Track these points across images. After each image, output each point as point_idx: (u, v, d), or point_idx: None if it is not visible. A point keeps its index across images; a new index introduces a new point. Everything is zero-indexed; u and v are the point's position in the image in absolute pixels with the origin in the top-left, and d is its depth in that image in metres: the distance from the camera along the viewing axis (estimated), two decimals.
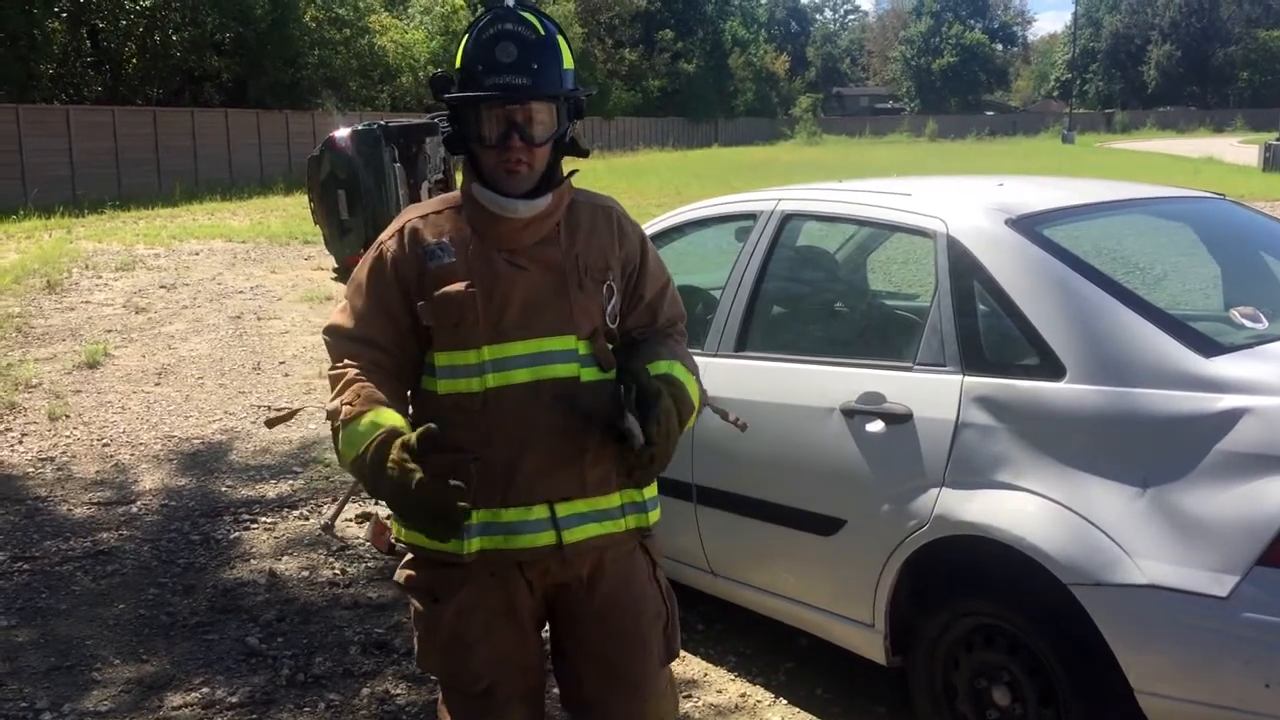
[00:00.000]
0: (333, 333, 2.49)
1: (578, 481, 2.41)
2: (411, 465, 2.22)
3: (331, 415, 2.37)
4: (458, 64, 2.37)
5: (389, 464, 2.24)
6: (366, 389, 2.36)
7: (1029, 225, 3.30)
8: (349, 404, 2.33)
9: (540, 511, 2.39)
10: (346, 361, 2.42)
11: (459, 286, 2.36)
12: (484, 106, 2.33)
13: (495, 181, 2.38)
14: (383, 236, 2.48)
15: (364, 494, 5.78)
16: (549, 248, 2.43)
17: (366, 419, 2.31)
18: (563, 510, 2.40)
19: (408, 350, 2.44)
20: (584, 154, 2.51)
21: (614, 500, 2.47)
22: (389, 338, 2.43)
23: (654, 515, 2.57)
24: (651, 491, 2.56)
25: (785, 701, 3.77)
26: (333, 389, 2.42)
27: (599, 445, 2.40)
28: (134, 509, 5.81)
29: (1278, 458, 2.58)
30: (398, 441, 2.25)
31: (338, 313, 2.50)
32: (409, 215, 2.49)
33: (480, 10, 2.52)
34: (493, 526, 2.38)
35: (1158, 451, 2.76)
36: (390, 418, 2.32)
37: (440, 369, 2.41)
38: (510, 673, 2.48)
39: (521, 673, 2.50)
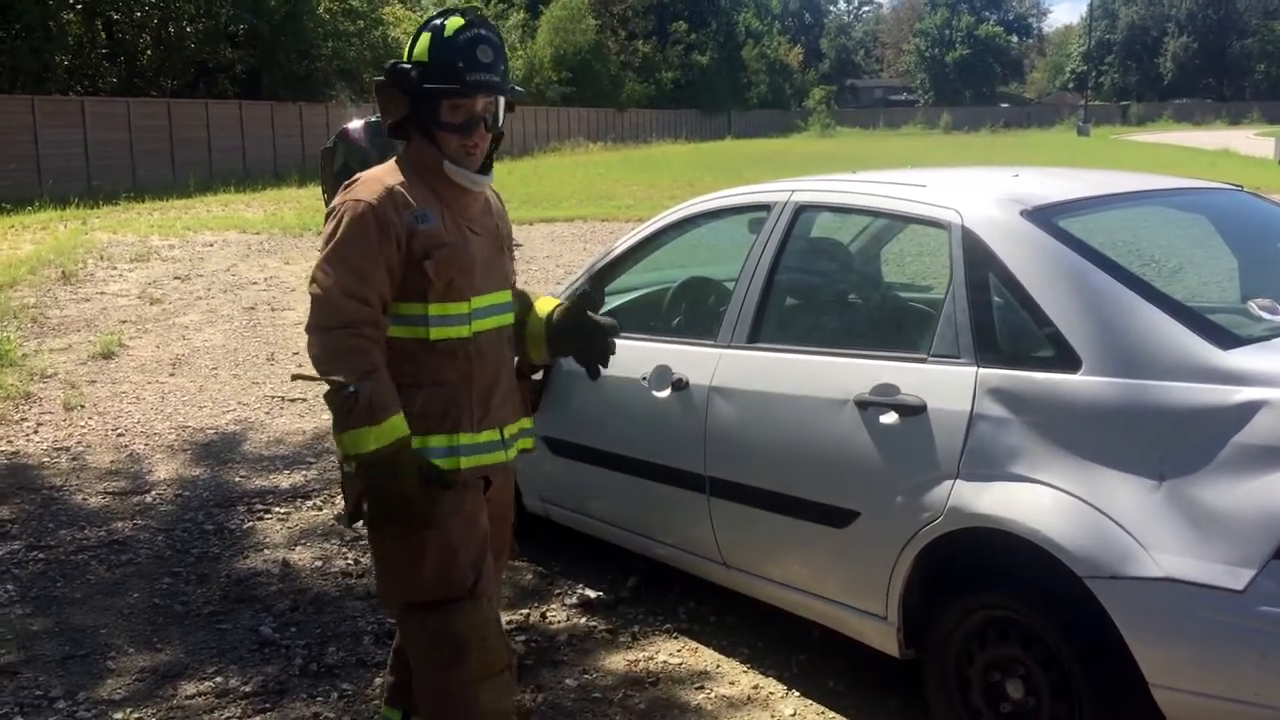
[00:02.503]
0: (344, 292, 2.69)
1: (516, 409, 3.04)
2: (426, 506, 2.73)
3: (359, 399, 2.63)
4: (425, 58, 2.77)
5: (412, 480, 2.70)
6: (390, 384, 2.70)
7: (1044, 216, 3.28)
8: (381, 396, 2.66)
9: (498, 434, 2.94)
10: (358, 328, 2.69)
11: (452, 246, 2.80)
12: (456, 96, 2.76)
13: (455, 161, 2.82)
14: (365, 196, 2.76)
15: None
16: (488, 218, 2.98)
17: (399, 420, 2.69)
18: (508, 431, 3.00)
19: (390, 301, 2.78)
20: (501, 137, 2.95)
21: (516, 427, 3.05)
22: (386, 290, 2.75)
23: (533, 441, 3.23)
24: (532, 421, 3.23)
25: (798, 694, 3.77)
26: (342, 356, 2.66)
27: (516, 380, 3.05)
28: (148, 499, 5.83)
29: None
30: (427, 467, 2.76)
31: (341, 272, 2.70)
32: (387, 179, 2.81)
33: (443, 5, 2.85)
34: (473, 447, 2.87)
35: (1174, 444, 2.74)
36: (405, 425, 2.72)
37: (433, 318, 2.82)
38: (480, 573, 2.87)
39: (487, 573, 2.90)
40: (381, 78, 2.84)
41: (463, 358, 2.84)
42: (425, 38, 2.78)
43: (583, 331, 3.18)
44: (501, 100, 2.86)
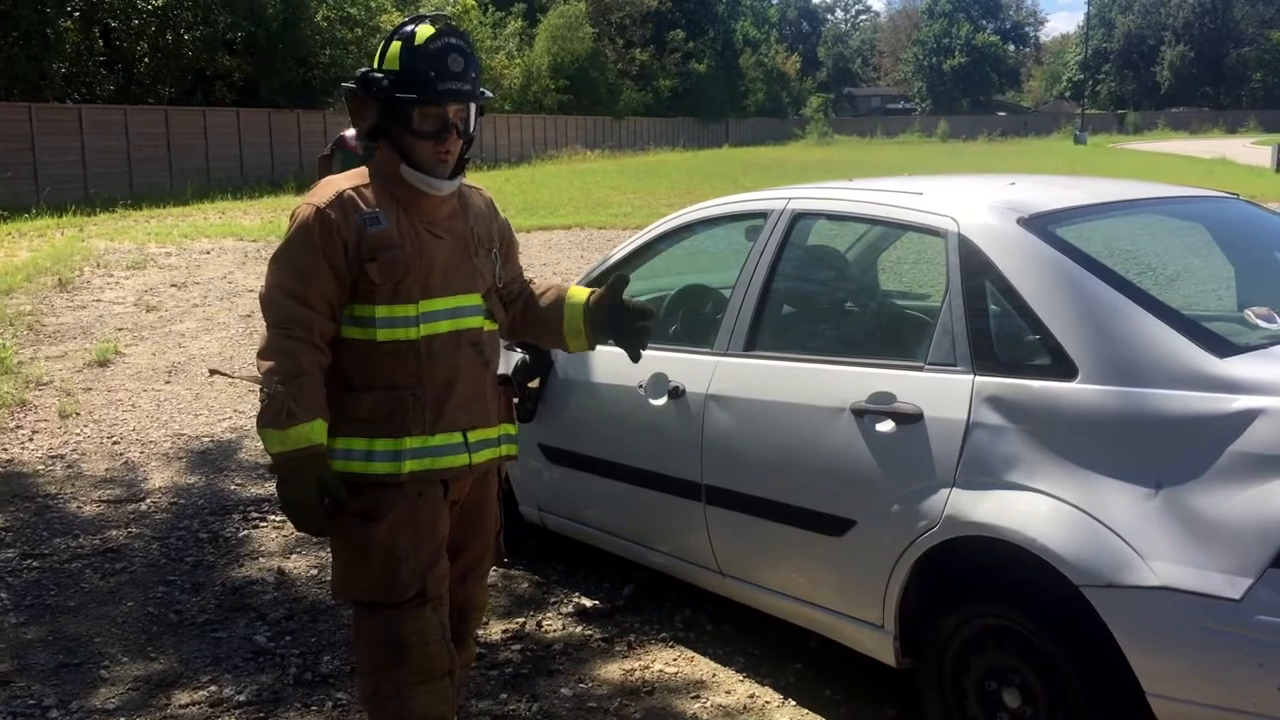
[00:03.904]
0: (283, 291, 2.80)
1: (484, 414, 3.01)
2: (322, 514, 2.79)
3: (272, 400, 2.72)
4: (396, 66, 2.81)
5: (309, 490, 2.76)
6: (313, 388, 2.77)
7: (1041, 224, 3.27)
8: (294, 401, 2.73)
9: (458, 438, 2.94)
10: (290, 328, 2.77)
11: (400, 249, 2.83)
12: (427, 105, 2.80)
13: (428, 167, 2.86)
14: (317, 201, 2.84)
15: None
16: (455, 221, 2.98)
17: (307, 429, 2.74)
18: (473, 437, 2.98)
19: (342, 303, 2.84)
20: (471, 141, 3.00)
21: (494, 432, 3.06)
22: (333, 292, 2.81)
23: (516, 448, 3.20)
24: (516, 428, 3.19)
25: (794, 703, 3.76)
26: (271, 354, 2.75)
27: (494, 386, 3.05)
28: (143, 507, 5.81)
29: None
30: (328, 481, 2.78)
31: (282, 272, 2.82)
32: (342, 185, 2.88)
33: (423, 13, 2.96)
34: (423, 450, 2.88)
35: (1171, 452, 2.73)
36: (323, 433, 2.78)
37: (380, 320, 2.85)
38: (430, 581, 2.90)
39: (437, 581, 2.93)
40: (352, 86, 2.90)
41: (412, 360, 2.86)
42: (396, 46, 2.83)
43: (621, 314, 3.21)
44: (473, 107, 2.91)
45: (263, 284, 2.87)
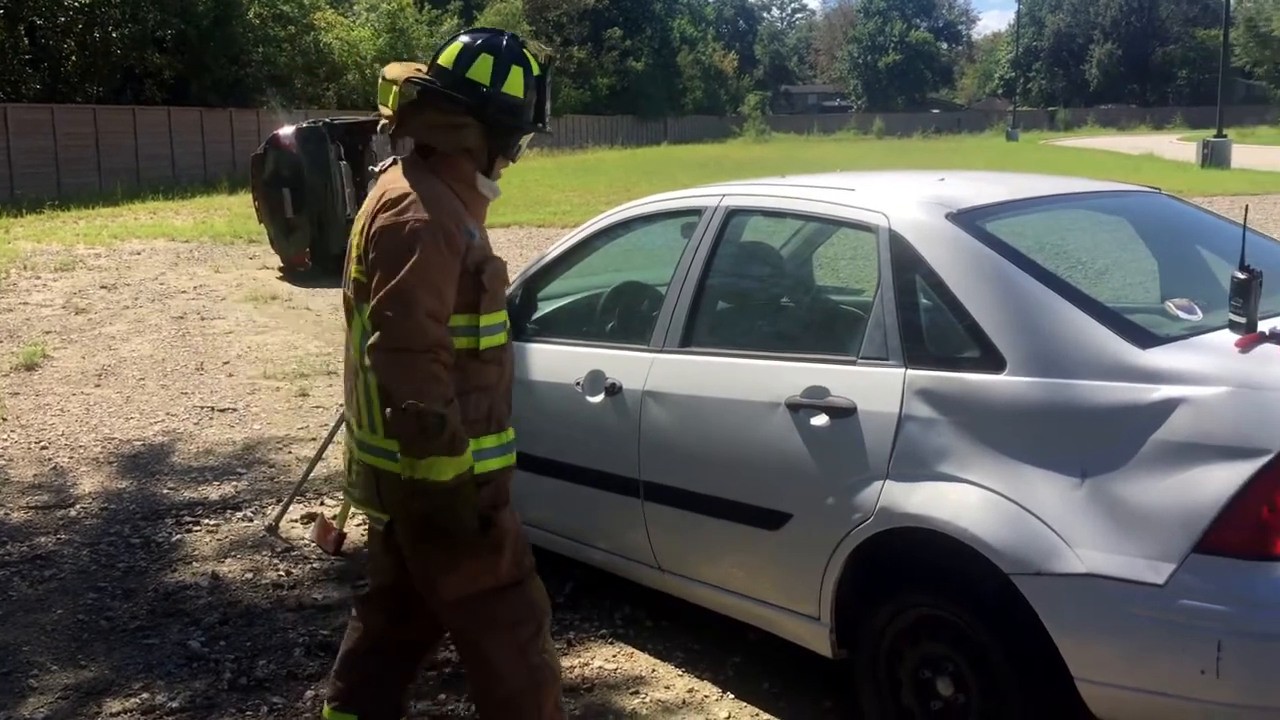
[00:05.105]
0: (426, 313, 2.66)
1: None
2: (480, 533, 2.78)
3: (444, 428, 2.62)
4: (521, 94, 2.84)
5: (473, 510, 2.72)
6: (458, 410, 2.71)
7: (969, 219, 3.32)
8: (459, 426, 2.67)
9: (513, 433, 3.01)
10: (438, 353, 2.65)
11: (495, 258, 2.87)
12: (535, 132, 2.95)
13: (493, 178, 2.94)
14: (435, 215, 2.72)
15: (308, 494, 5.72)
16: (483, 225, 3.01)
17: (468, 454, 2.72)
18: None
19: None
20: None
21: None
22: (451, 308, 2.75)
23: None
24: None
25: (733, 696, 3.78)
26: (428, 381, 2.62)
27: None
28: (73, 512, 5.70)
29: (1212, 446, 2.62)
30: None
31: (421, 292, 2.65)
32: (444, 198, 2.79)
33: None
34: (507, 446, 2.96)
35: (1096, 442, 2.79)
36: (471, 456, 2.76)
37: (484, 328, 2.85)
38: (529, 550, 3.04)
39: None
40: (456, 103, 2.79)
41: (497, 363, 2.92)
42: (518, 73, 2.83)
43: None
44: None
45: (392, 310, 2.64)
